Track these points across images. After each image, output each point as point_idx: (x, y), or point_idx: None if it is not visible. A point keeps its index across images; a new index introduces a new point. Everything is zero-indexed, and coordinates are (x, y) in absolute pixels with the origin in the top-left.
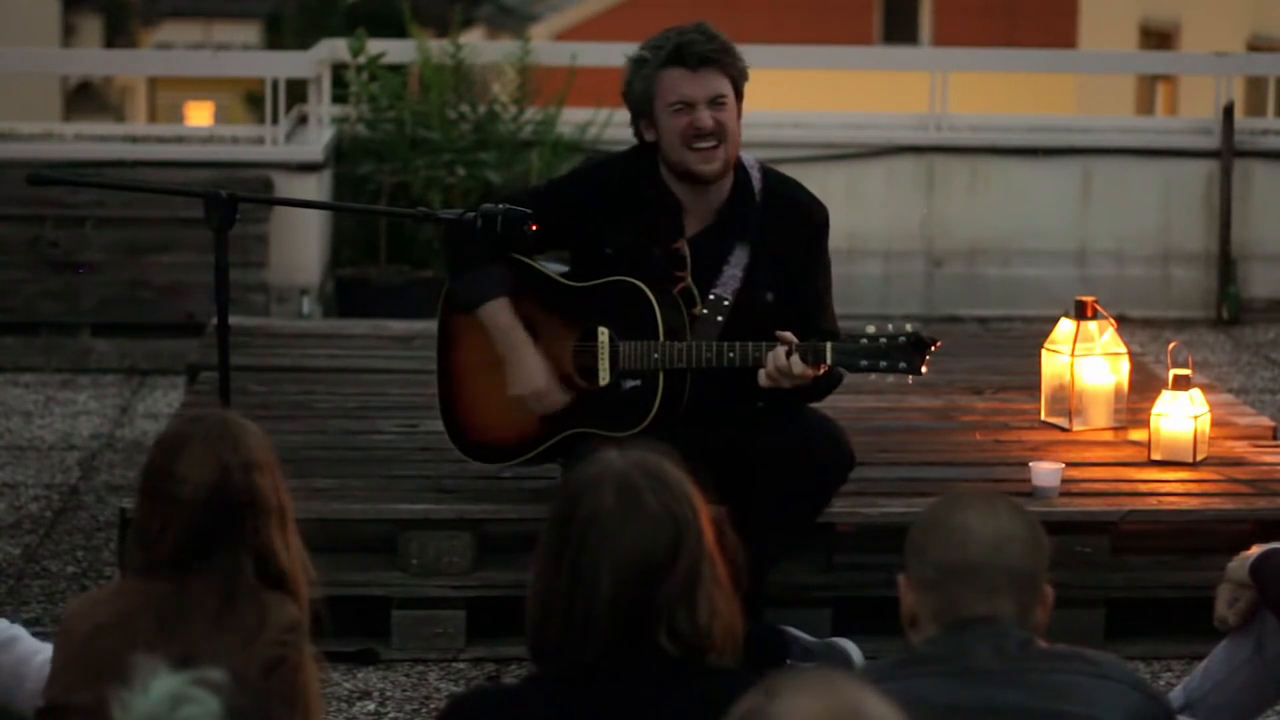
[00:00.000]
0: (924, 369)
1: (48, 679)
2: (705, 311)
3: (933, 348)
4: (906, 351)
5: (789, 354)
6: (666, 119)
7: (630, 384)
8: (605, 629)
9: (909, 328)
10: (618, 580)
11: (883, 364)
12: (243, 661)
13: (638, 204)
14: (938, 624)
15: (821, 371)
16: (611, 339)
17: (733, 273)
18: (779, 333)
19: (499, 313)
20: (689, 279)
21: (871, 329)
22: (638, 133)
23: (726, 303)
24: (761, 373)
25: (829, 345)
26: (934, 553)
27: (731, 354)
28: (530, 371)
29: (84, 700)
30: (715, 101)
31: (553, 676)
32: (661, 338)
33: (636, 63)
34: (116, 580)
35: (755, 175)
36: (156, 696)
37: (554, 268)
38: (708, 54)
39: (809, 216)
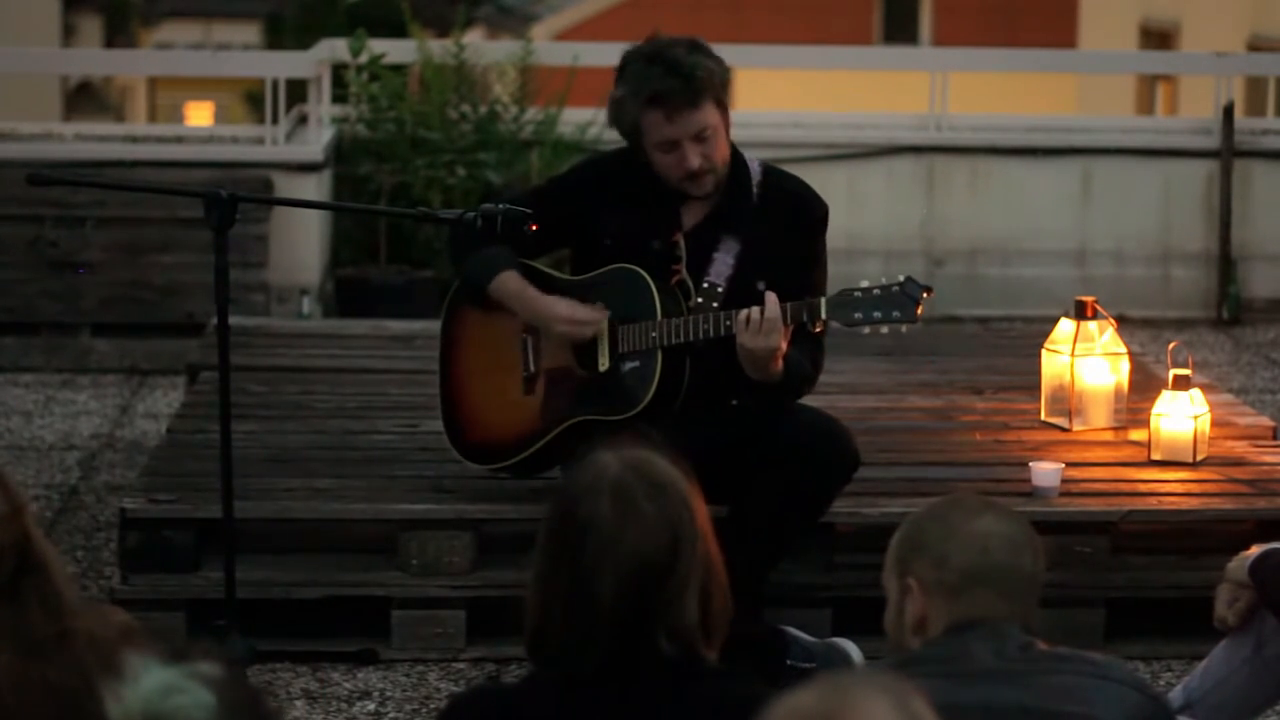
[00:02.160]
0: (919, 314)
1: None
2: (700, 300)
3: (925, 295)
4: (900, 300)
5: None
6: (655, 154)
7: (630, 365)
8: (605, 633)
9: (901, 277)
10: (618, 585)
11: (877, 314)
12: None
13: (635, 196)
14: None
15: (819, 330)
16: (610, 324)
17: (724, 259)
18: (766, 293)
19: (510, 281)
20: (684, 272)
21: (865, 282)
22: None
23: (720, 289)
24: (741, 333)
25: (823, 300)
26: (957, 559)
27: (728, 322)
28: (553, 307)
29: None
30: (699, 136)
31: (553, 676)
32: (659, 317)
33: (616, 103)
34: None
35: (754, 169)
36: (149, 687)
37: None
38: (683, 101)
39: (806, 210)
